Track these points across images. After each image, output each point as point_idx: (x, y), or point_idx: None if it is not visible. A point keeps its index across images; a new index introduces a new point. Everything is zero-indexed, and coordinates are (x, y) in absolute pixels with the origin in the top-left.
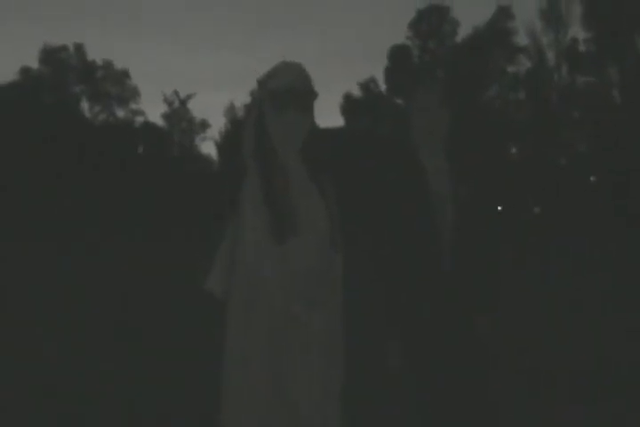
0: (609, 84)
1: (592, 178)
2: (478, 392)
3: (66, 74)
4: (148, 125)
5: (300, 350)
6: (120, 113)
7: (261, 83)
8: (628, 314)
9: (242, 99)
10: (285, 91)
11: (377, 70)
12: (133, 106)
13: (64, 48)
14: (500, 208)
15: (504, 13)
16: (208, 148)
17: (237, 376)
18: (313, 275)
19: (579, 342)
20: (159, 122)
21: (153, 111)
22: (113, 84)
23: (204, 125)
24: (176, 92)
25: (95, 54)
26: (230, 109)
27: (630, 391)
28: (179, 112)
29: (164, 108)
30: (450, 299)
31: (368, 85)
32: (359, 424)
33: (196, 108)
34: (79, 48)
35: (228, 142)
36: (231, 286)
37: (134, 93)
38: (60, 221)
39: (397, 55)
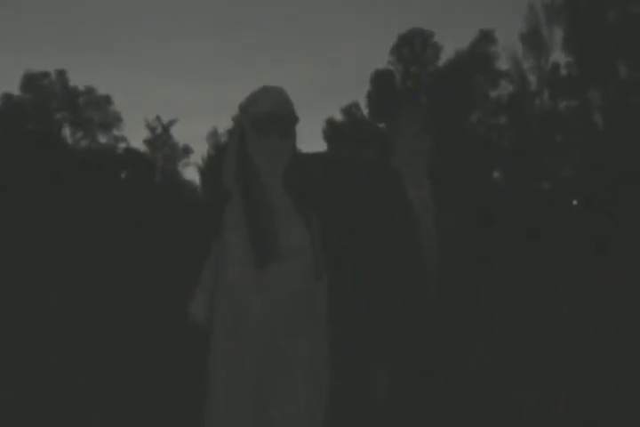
0: (591, 108)
1: (575, 202)
2: (465, 419)
3: (48, 100)
4: (130, 151)
5: (284, 378)
6: (102, 139)
7: (243, 108)
8: (615, 342)
9: (224, 124)
10: (267, 116)
11: (359, 95)
12: (116, 132)
13: (46, 75)
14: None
15: (486, 38)
16: (191, 174)
17: (221, 405)
18: (296, 302)
19: (571, 373)
20: (142, 148)
21: (135, 137)
22: (95, 111)
23: (187, 151)
24: (158, 118)
25: (77, 81)
26: (213, 135)
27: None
28: (161, 138)
29: (146, 134)
30: (438, 327)
31: (350, 110)
32: None
33: (179, 134)
34: (61, 74)
35: (211, 168)
36: (214, 312)
37: (117, 120)
38: (42, 247)
39: (380, 80)
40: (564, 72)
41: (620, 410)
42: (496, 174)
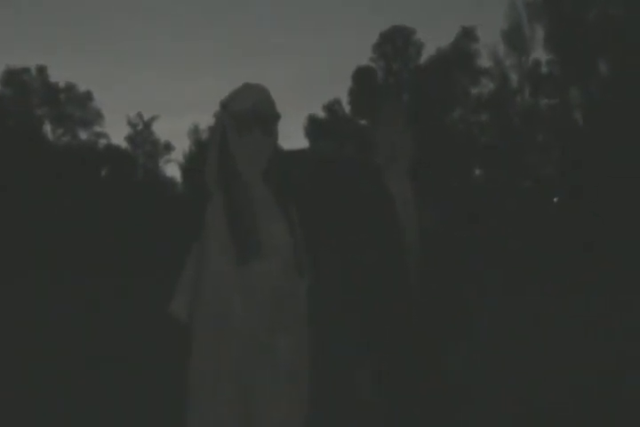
0: (571, 106)
1: (556, 199)
2: (447, 419)
3: (28, 96)
4: (111, 148)
5: (266, 375)
6: (83, 136)
7: (224, 105)
8: (602, 338)
9: (206, 121)
10: (248, 113)
11: (341, 92)
12: (97, 128)
13: (26, 70)
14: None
15: (467, 35)
16: (172, 170)
17: (202, 404)
18: (278, 299)
19: (553, 368)
20: (123, 144)
21: (117, 134)
22: (76, 107)
23: (168, 148)
24: (140, 115)
25: (58, 77)
26: (194, 131)
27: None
28: (142, 135)
29: (127, 131)
30: (420, 326)
31: (332, 107)
32: None
33: (160, 131)
34: (41, 71)
35: (192, 165)
36: (195, 310)
37: (98, 116)
38: (22, 243)
39: (361, 77)
40: (544, 70)
41: (603, 408)
42: (477, 172)
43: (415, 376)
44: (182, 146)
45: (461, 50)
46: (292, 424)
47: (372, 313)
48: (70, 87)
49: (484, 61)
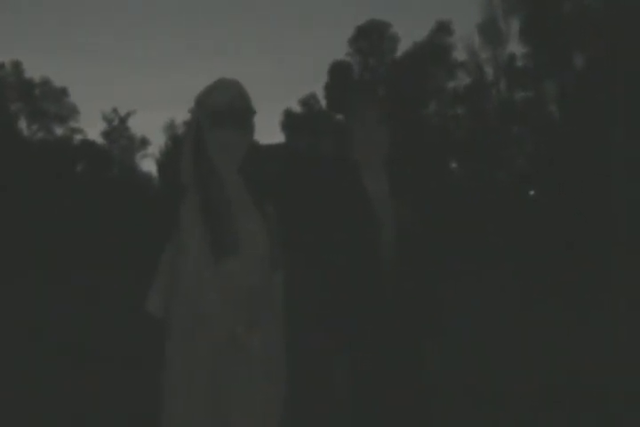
0: (547, 98)
1: (531, 192)
2: (421, 407)
3: (3, 92)
4: (87, 143)
5: (241, 370)
6: (59, 131)
7: (198, 100)
8: (575, 328)
9: (182, 116)
10: (223, 108)
11: (317, 87)
12: (72, 124)
13: (0, 66)
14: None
15: (443, 29)
16: (148, 165)
17: (177, 397)
18: (253, 295)
19: (525, 359)
20: (99, 140)
21: (92, 129)
22: (51, 102)
23: (144, 143)
24: (115, 110)
25: (33, 72)
26: (170, 126)
27: (575, 409)
28: (118, 130)
29: (103, 126)
30: (396, 318)
31: (308, 102)
32: None
33: (136, 126)
34: (16, 66)
35: (169, 160)
36: (171, 307)
37: (73, 111)
38: None
39: (338, 71)
40: (520, 63)
41: (579, 407)
42: (453, 165)
43: (392, 376)
44: (158, 141)
45: (437, 44)
46: (267, 423)
47: (347, 312)
48: (45, 82)
49: (460, 55)
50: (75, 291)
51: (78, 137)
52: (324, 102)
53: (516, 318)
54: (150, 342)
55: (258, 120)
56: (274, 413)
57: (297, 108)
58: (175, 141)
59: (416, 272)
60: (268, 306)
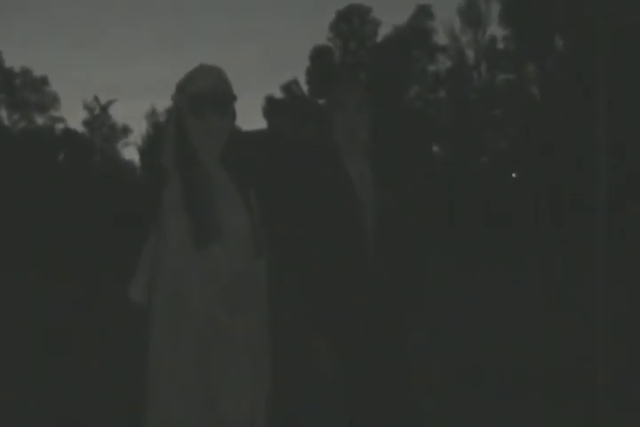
0: (528, 81)
1: (513, 175)
2: (404, 393)
3: None
4: (68, 132)
5: (226, 357)
6: (40, 120)
7: (180, 87)
8: (557, 313)
9: (163, 103)
10: (204, 94)
11: (299, 72)
12: (53, 113)
13: None
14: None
15: (423, 13)
16: (130, 153)
17: (162, 384)
18: (236, 281)
19: (507, 342)
20: (80, 129)
21: (74, 118)
22: (32, 92)
23: (126, 131)
24: (96, 99)
25: (13, 61)
26: (152, 114)
27: (555, 386)
28: (100, 118)
29: (84, 115)
30: (379, 296)
31: (290, 87)
32: (289, 423)
33: (118, 114)
34: None
35: (150, 147)
36: (154, 294)
37: (54, 100)
38: None
39: (319, 56)
40: (501, 46)
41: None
42: (435, 149)
43: (374, 347)
44: (140, 129)
45: (418, 27)
46: (253, 407)
47: (330, 286)
48: (25, 72)
49: (441, 38)
50: (59, 280)
51: (60, 126)
52: (305, 88)
53: (500, 302)
54: (140, 332)
55: (239, 107)
56: (259, 398)
57: (279, 95)
58: (157, 129)
59: (398, 257)
60: (251, 292)
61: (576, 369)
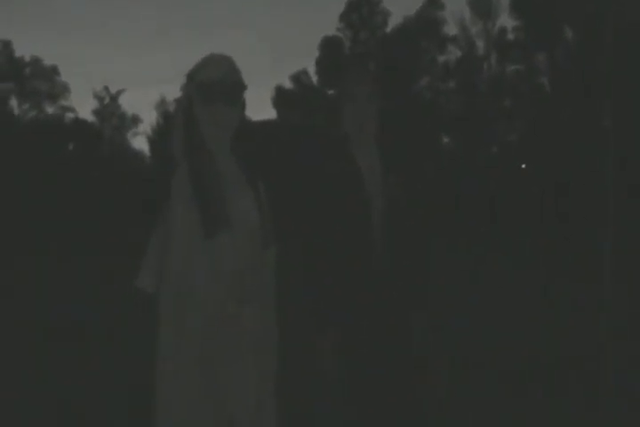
0: (538, 72)
1: (523, 166)
2: (408, 392)
3: None
4: (78, 122)
5: (232, 347)
6: (50, 110)
7: (190, 76)
8: (561, 311)
9: (173, 93)
10: (214, 83)
11: (308, 63)
12: (63, 102)
13: None
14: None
15: (433, 3)
16: (140, 143)
17: (170, 374)
18: (244, 271)
19: (511, 340)
20: (90, 118)
21: (83, 108)
22: (42, 81)
23: (136, 121)
24: (106, 88)
25: (23, 51)
26: (161, 104)
27: (557, 384)
28: (109, 108)
29: (94, 105)
30: (384, 294)
31: (299, 78)
32: (293, 421)
33: (128, 104)
34: (6, 45)
35: (160, 137)
36: (161, 283)
37: (64, 90)
38: None
39: (328, 47)
40: (511, 36)
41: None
42: (444, 139)
43: (378, 347)
44: (150, 119)
45: (427, 18)
46: (258, 396)
47: (335, 284)
48: (36, 61)
49: (451, 29)
50: (66, 271)
51: (69, 115)
52: (315, 78)
53: (507, 292)
54: (146, 320)
55: (249, 97)
56: (265, 387)
57: (288, 85)
58: (166, 119)
59: (405, 248)
60: (258, 280)
61: (580, 367)
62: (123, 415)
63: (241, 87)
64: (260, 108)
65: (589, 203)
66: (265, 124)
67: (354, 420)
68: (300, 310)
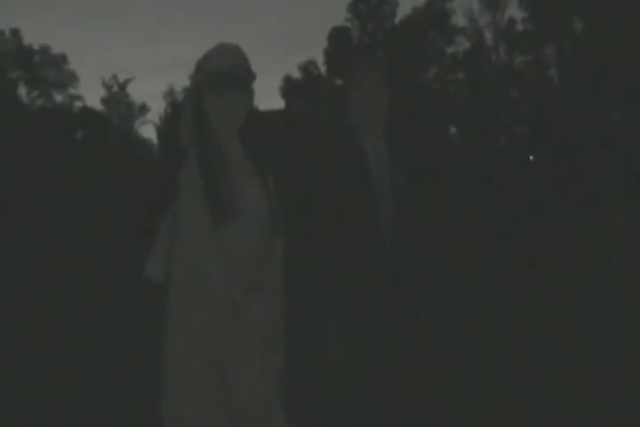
0: (546, 63)
1: (531, 157)
2: (419, 377)
3: (2, 59)
4: (86, 110)
5: (240, 336)
6: (58, 98)
7: (198, 65)
8: (572, 300)
9: (181, 82)
10: (222, 72)
11: (317, 53)
12: (72, 91)
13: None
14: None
15: None
16: (148, 132)
17: (177, 362)
18: (252, 260)
19: (522, 329)
20: (98, 107)
21: (92, 96)
22: (50, 70)
23: (144, 109)
24: (115, 77)
25: (32, 39)
26: (170, 93)
27: (568, 376)
28: (118, 96)
29: (102, 93)
30: (391, 283)
31: (308, 67)
32: (300, 409)
33: (136, 93)
34: (15, 33)
35: (168, 126)
36: (170, 271)
37: (72, 78)
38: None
39: (337, 37)
40: (519, 28)
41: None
42: (452, 130)
43: (387, 331)
44: (158, 107)
45: (436, 8)
46: (266, 383)
47: (343, 271)
48: (45, 49)
49: (459, 20)
50: (74, 260)
51: (78, 104)
52: (323, 68)
53: (513, 283)
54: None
55: (257, 86)
56: (273, 372)
57: (297, 75)
58: (175, 108)
59: (410, 231)
60: (267, 268)
61: (592, 355)
62: (129, 402)
63: (250, 77)
64: (268, 97)
65: (598, 193)
66: (273, 114)
67: (363, 407)
68: (309, 298)
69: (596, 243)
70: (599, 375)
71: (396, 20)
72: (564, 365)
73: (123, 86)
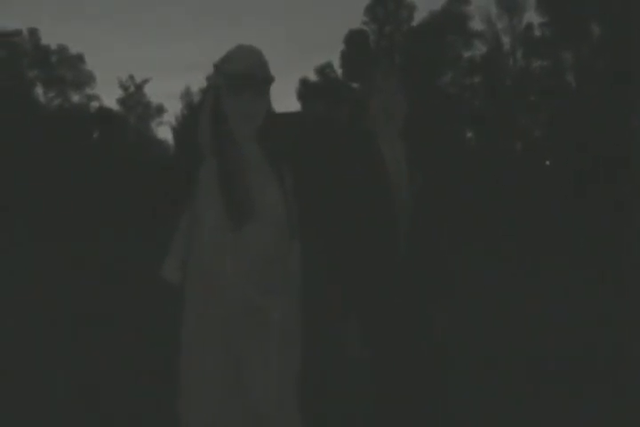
0: (564, 68)
1: (548, 162)
2: (434, 376)
3: (20, 59)
4: (103, 110)
5: (257, 337)
6: (75, 98)
7: (217, 67)
8: (585, 301)
9: (198, 83)
10: (241, 75)
11: (333, 56)
12: (89, 91)
13: (17, 33)
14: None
15: None
16: (164, 133)
17: (194, 363)
18: (269, 262)
19: (535, 330)
20: (115, 107)
21: (109, 96)
22: (68, 69)
23: (161, 110)
24: (131, 77)
25: (49, 39)
26: (186, 94)
27: (585, 380)
28: (134, 97)
29: (119, 93)
30: (407, 285)
31: (324, 70)
32: (316, 409)
33: (152, 93)
34: (33, 33)
35: (185, 127)
36: (187, 272)
37: (90, 78)
38: (14, 207)
39: (354, 40)
40: (537, 32)
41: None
42: (469, 134)
43: (402, 331)
44: (174, 108)
45: (453, 13)
46: (283, 386)
47: (359, 272)
48: (62, 49)
49: (477, 24)
50: (89, 259)
51: (94, 104)
52: (340, 71)
53: (528, 291)
54: (166, 311)
55: (274, 89)
56: (290, 375)
57: (313, 77)
58: (191, 109)
59: (428, 233)
60: (284, 270)
61: (607, 355)
62: (146, 400)
63: (268, 79)
64: (284, 100)
65: (615, 199)
66: (289, 116)
67: (378, 404)
68: (325, 297)
69: (614, 246)
70: (614, 376)
71: (414, 24)
72: (576, 366)
73: (139, 87)
